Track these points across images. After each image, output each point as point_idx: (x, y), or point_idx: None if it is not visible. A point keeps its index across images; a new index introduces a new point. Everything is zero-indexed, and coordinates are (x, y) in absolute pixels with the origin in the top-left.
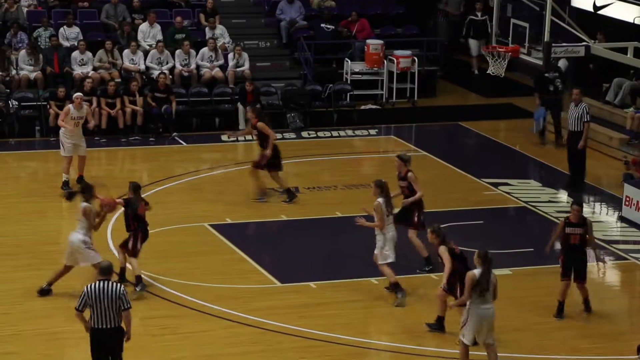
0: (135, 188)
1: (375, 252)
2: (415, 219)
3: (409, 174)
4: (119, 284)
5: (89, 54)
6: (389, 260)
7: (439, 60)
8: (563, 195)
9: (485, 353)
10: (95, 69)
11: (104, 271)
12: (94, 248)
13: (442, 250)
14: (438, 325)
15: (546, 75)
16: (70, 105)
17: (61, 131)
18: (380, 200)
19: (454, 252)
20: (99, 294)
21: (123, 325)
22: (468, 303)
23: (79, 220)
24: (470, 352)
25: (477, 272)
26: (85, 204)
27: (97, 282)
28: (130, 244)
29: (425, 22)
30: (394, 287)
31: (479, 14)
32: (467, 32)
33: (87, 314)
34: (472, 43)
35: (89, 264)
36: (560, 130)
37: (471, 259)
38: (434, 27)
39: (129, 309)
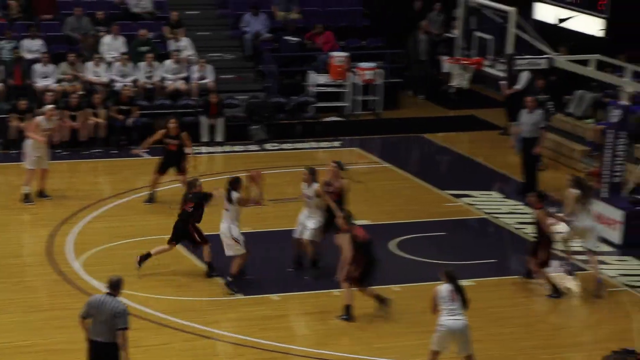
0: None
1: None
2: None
3: (344, 181)
4: (120, 303)
5: (52, 66)
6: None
7: (421, 81)
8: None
9: None
10: (58, 81)
11: (111, 285)
12: (240, 240)
13: (343, 237)
14: (347, 314)
15: (537, 97)
16: (41, 117)
17: (28, 143)
18: (315, 185)
19: (356, 240)
20: (98, 306)
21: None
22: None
23: (227, 210)
24: None
25: (442, 288)
26: (236, 193)
27: (102, 295)
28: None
29: (396, 37)
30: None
31: (455, 31)
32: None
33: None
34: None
35: (231, 254)
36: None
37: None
38: (414, 45)
39: (124, 330)
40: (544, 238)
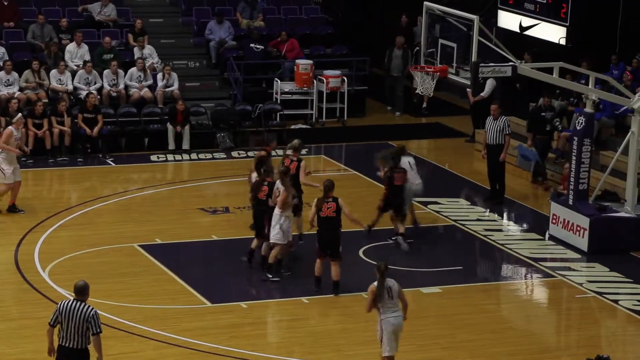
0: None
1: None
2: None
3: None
4: (90, 307)
5: (15, 74)
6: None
7: (396, 97)
8: (484, 209)
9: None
10: (21, 89)
11: (78, 291)
12: (285, 228)
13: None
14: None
15: (543, 114)
16: (11, 127)
17: (1, 157)
18: (280, 185)
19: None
20: (69, 312)
21: (90, 347)
22: (379, 318)
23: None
24: None
25: (375, 284)
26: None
27: (70, 301)
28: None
29: (366, 47)
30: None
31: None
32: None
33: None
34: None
35: (275, 241)
36: (545, 171)
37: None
38: (389, 61)
39: (99, 334)
40: None
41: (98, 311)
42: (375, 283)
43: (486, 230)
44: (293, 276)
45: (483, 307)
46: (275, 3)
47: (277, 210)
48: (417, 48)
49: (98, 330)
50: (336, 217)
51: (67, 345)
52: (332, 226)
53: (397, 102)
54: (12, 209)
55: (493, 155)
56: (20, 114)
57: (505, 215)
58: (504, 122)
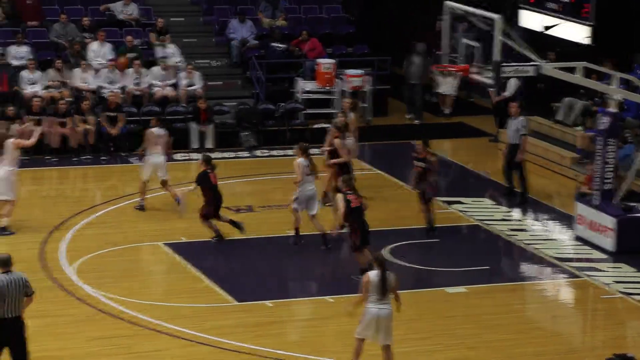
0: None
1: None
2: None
3: (336, 140)
4: (21, 273)
5: (38, 73)
6: (298, 208)
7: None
8: (509, 209)
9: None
10: (45, 88)
11: (4, 263)
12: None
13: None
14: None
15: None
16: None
17: (11, 170)
18: (300, 160)
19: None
20: (8, 285)
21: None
22: (365, 306)
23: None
24: None
25: (372, 274)
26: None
27: (4, 275)
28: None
29: (386, 48)
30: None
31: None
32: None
33: None
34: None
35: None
36: None
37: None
38: (407, 67)
39: (33, 294)
40: None
41: None
42: (371, 273)
43: (511, 230)
44: (316, 276)
45: (509, 307)
46: (297, 2)
47: None
48: (437, 51)
49: (33, 290)
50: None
51: (7, 317)
52: (362, 213)
53: (416, 110)
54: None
55: (510, 154)
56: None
57: (530, 215)
58: (520, 122)
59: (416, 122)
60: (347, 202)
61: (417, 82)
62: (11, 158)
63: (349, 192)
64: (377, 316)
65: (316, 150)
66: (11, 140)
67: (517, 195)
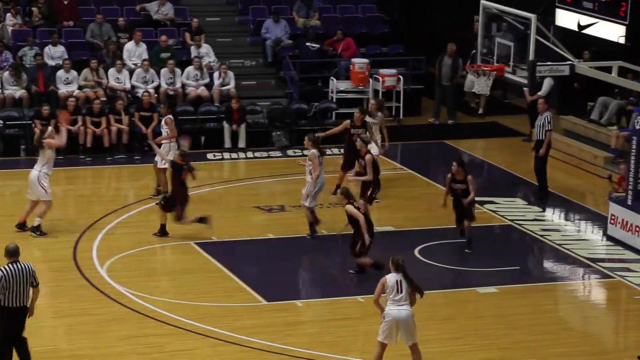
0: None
1: (304, 192)
2: (368, 193)
3: (367, 156)
4: (27, 263)
5: (74, 72)
6: (312, 205)
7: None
8: (541, 209)
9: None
10: (80, 87)
11: (13, 253)
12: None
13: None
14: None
15: None
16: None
17: (43, 172)
18: (314, 151)
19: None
20: (18, 274)
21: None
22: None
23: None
24: None
25: (390, 277)
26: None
27: (11, 264)
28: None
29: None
30: (310, 227)
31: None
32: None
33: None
34: (468, 77)
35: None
36: None
37: (450, 276)
38: (438, 69)
39: (39, 285)
40: None
41: None
42: (389, 276)
43: (543, 230)
44: (347, 275)
45: (540, 307)
46: (331, 2)
47: None
48: (474, 51)
49: (38, 282)
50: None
51: (18, 305)
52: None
53: (449, 111)
54: (22, 226)
55: (537, 150)
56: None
57: (562, 215)
58: (545, 118)
59: (450, 122)
60: (363, 213)
61: (448, 84)
62: (45, 159)
63: (352, 201)
64: (397, 318)
65: (336, 150)
66: (45, 140)
67: (542, 191)
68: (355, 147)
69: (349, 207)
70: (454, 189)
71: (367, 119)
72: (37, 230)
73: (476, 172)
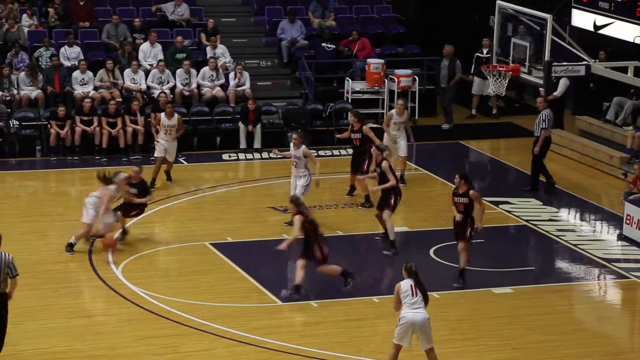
0: None
1: (299, 186)
2: (392, 202)
3: (383, 163)
4: (7, 253)
5: (89, 73)
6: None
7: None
8: (556, 209)
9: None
10: (96, 88)
11: None
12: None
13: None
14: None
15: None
16: (113, 187)
17: (92, 201)
18: (304, 147)
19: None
20: None
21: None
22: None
23: None
24: None
25: (403, 283)
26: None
27: None
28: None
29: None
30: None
31: (484, 50)
32: (474, 70)
33: None
34: (475, 81)
35: None
36: None
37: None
38: (438, 70)
39: (17, 276)
40: None
41: None
42: (403, 282)
43: (558, 230)
44: (362, 276)
45: (555, 308)
46: (346, 2)
47: None
48: (477, 54)
49: (17, 272)
50: None
51: None
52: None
53: (445, 114)
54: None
55: (533, 146)
56: (124, 175)
57: (577, 215)
58: (542, 115)
59: (444, 127)
60: (310, 221)
61: (446, 86)
62: (108, 192)
63: (306, 213)
64: (413, 321)
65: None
66: (122, 177)
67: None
68: (357, 151)
69: (298, 218)
70: (455, 203)
71: (395, 118)
72: (71, 248)
73: (491, 172)
